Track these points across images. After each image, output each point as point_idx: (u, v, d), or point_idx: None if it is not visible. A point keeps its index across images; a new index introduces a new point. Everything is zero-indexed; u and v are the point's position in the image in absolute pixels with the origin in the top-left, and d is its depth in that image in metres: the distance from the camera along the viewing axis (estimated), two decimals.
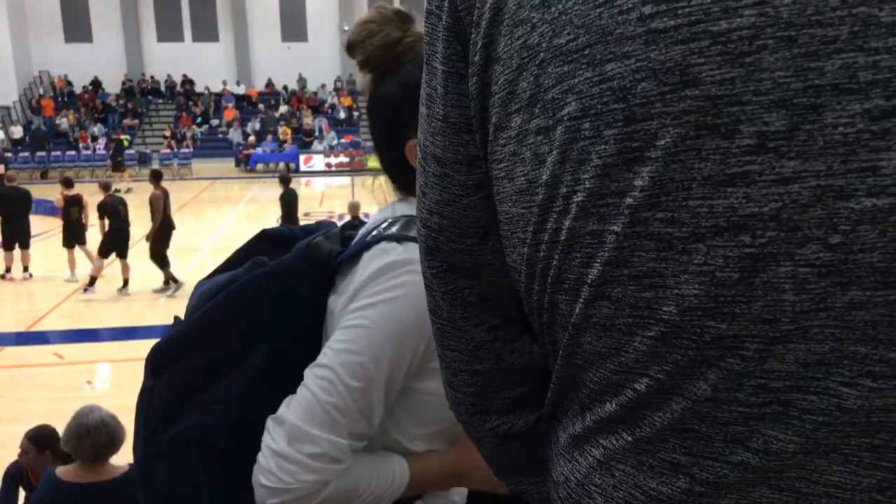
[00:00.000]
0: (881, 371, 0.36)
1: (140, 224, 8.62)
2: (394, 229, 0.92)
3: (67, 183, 8.76)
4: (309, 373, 0.86)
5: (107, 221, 8.16)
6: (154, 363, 0.97)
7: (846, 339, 0.36)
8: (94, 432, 2.43)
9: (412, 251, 0.87)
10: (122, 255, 8.23)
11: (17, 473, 3.16)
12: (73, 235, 8.53)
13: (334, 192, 15.92)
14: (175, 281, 8.15)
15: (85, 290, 8.26)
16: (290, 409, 0.85)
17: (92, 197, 8.81)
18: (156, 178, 8.58)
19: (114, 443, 2.48)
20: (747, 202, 0.36)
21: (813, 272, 0.36)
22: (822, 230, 0.35)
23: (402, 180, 0.99)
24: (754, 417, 0.39)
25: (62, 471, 2.54)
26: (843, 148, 0.34)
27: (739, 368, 0.39)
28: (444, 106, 0.51)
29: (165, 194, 8.32)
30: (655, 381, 0.42)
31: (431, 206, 0.54)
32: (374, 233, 0.94)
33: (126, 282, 8.27)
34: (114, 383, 5.78)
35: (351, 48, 0.96)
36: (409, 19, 0.95)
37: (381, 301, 0.85)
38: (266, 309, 0.93)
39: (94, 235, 8.46)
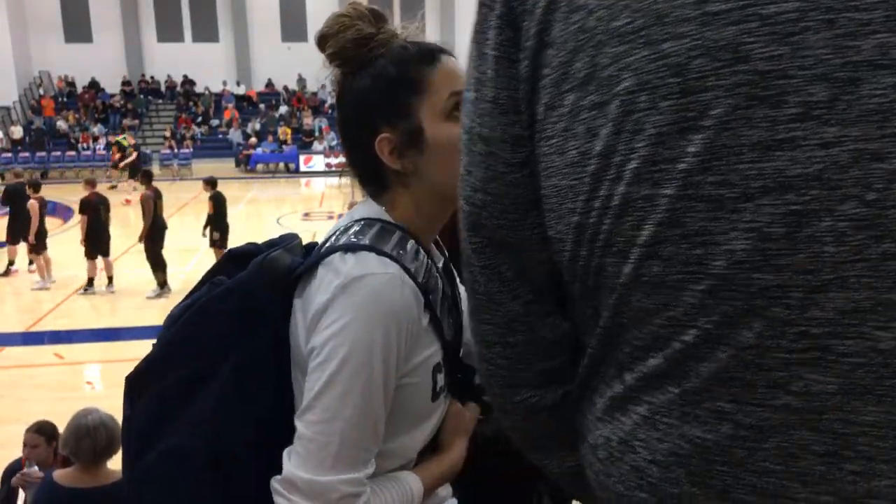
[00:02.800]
0: None
1: (136, 225, 8.61)
2: (346, 237, 0.91)
3: (36, 186, 8.75)
4: (300, 422, 0.85)
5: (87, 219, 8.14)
6: (129, 392, 0.98)
7: (880, 287, 0.41)
8: (93, 433, 2.43)
9: (364, 261, 0.86)
10: (105, 253, 8.27)
11: (17, 472, 3.15)
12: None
13: (334, 192, 15.92)
14: (164, 285, 8.16)
15: (85, 290, 8.28)
16: (296, 464, 0.84)
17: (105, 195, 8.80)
18: (147, 178, 8.58)
19: (113, 443, 2.48)
20: (793, 164, 0.42)
21: (851, 226, 0.41)
22: (859, 188, 0.40)
23: (370, 175, 0.98)
24: (795, 363, 0.44)
25: (60, 475, 2.54)
26: (878, 116, 0.40)
27: (783, 316, 0.43)
28: (495, 88, 0.56)
29: (157, 194, 8.31)
30: (703, 331, 0.46)
31: (476, 183, 0.58)
32: (328, 243, 0.93)
33: (110, 279, 8.31)
34: (114, 384, 5.75)
35: (322, 40, 0.96)
36: (382, 18, 0.96)
37: (343, 327, 0.83)
38: (226, 328, 0.92)
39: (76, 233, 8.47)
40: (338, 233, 0.94)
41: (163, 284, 8.17)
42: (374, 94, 0.94)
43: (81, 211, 8.21)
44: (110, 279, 8.34)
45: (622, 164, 0.47)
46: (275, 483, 0.85)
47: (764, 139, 0.42)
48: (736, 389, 0.46)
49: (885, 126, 0.39)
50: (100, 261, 8.30)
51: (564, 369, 0.60)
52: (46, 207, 8.42)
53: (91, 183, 8.52)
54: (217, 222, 8.44)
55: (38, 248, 8.45)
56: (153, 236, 8.18)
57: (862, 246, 0.41)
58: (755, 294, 0.43)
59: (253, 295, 0.92)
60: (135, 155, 16.31)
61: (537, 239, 0.56)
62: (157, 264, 8.18)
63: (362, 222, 0.93)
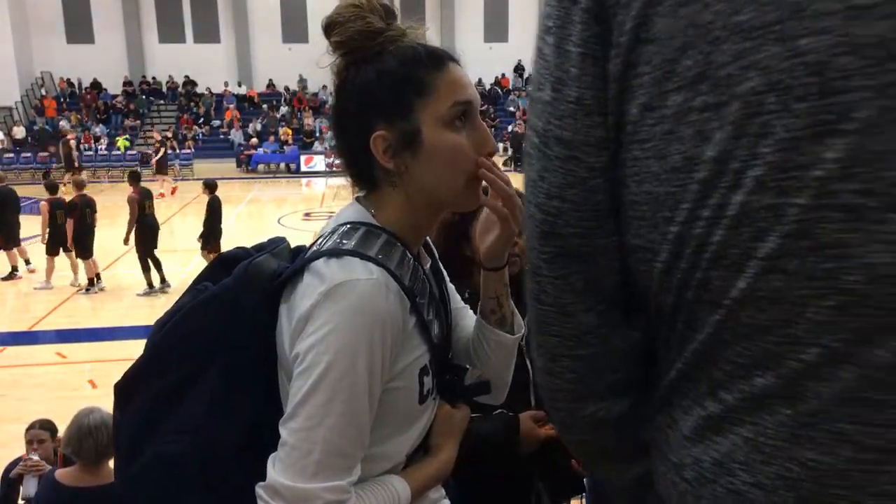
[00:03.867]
0: None
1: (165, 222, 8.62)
2: (331, 241, 0.90)
3: (52, 188, 8.73)
4: (284, 429, 0.84)
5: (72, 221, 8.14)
6: (118, 398, 0.98)
7: None
8: (95, 433, 2.44)
9: (348, 266, 0.85)
10: (88, 255, 8.24)
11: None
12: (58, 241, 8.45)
13: (335, 192, 15.93)
14: (151, 286, 8.17)
15: (87, 290, 8.29)
16: (279, 471, 0.83)
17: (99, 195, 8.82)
18: (134, 179, 8.52)
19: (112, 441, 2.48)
20: None
21: None
22: None
23: (360, 171, 0.96)
24: None
25: (62, 474, 2.54)
26: None
27: None
28: (579, 88, 0.52)
29: (143, 195, 8.24)
30: (828, 349, 0.43)
31: (551, 190, 0.54)
32: (313, 248, 0.93)
33: (91, 281, 8.30)
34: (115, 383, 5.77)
35: (330, 27, 0.94)
36: (392, 14, 0.95)
37: (326, 334, 0.83)
38: (210, 333, 0.92)
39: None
40: (323, 237, 0.93)
41: (152, 284, 8.18)
42: (377, 89, 0.92)
43: (69, 214, 8.18)
44: (90, 280, 8.31)
45: (741, 171, 0.43)
46: (259, 489, 0.84)
47: None
48: (860, 410, 0.42)
49: None
50: (63, 259, 8.28)
51: (633, 381, 0.58)
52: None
53: (78, 185, 8.50)
54: (211, 227, 8.43)
55: (50, 249, 8.42)
56: (143, 237, 8.15)
57: None
58: (894, 311, 0.40)
59: (237, 300, 0.92)
60: (162, 151, 16.46)
61: (612, 248, 0.54)
62: (146, 265, 8.17)
63: (347, 226, 0.93)
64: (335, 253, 0.87)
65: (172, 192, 15.74)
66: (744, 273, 0.45)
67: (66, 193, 9.04)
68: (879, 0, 0.39)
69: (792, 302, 0.43)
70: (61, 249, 8.41)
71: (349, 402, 0.83)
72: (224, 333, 0.91)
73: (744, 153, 0.43)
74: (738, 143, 0.43)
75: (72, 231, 8.13)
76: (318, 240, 0.95)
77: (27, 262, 8.87)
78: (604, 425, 0.59)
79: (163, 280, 8.29)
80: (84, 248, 8.21)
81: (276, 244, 1.04)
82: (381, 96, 0.92)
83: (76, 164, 17.24)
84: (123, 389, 0.98)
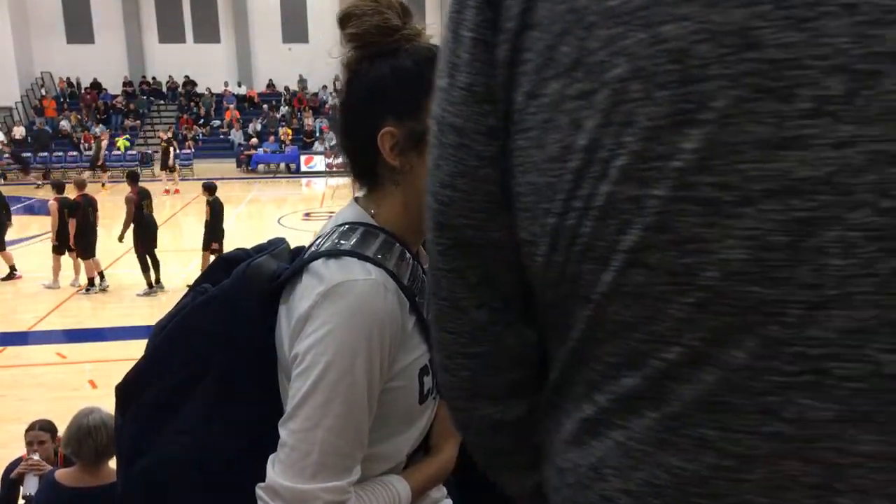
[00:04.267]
0: None
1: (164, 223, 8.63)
2: (330, 242, 0.90)
3: (81, 185, 8.76)
4: (283, 429, 0.84)
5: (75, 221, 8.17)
6: (119, 401, 0.98)
7: (889, 305, 0.37)
8: (94, 433, 2.44)
9: (346, 267, 0.85)
10: (91, 254, 8.26)
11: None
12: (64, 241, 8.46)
13: (335, 192, 15.92)
14: (151, 286, 8.19)
15: (87, 290, 8.29)
16: (278, 471, 0.83)
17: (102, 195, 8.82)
18: (132, 179, 8.54)
19: (114, 443, 2.48)
20: (801, 165, 0.37)
21: (862, 237, 0.36)
22: (874, 195, 0.36)
23: (363, 167, 0.96)
24: (790, 386, 0.39)
25: (62, 474, 2.54)
26: None
27: (779, 335, 0.39)
28: (469, 74, 0.50)
29: (141, 196, 8.25)
30: (688, 348, 0.41)
31: (444, 178, 0.53)
32: (312, 248, 0.92)
33: (91, 281, 8.31)
34: (115, 383, 5.77)
35: (346, 19, 0.93)
36: (409, 14, 0.94)
37: (325, 335, 0.83)
38: (210, 336, 0.92)
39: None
40: (322, 238, 0.93)
41: (151, 284, 8.19)
42: (390, 86, 0.91)
43: (70, 214, 8.20)
44: (90, 280, 8.33)
45: (608, 161, 0.42)
46: (258, 490, 0.85)
47: (770, 136, 0.37)
48: (721, 415, 0.41)
49: None
50: (67, 259, 8.30)
51: (530, 382, 0.56)
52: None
53: (80, 185, 8.51)
54: (213, 229, 8.44)
55: (57, 248, 8.43)
56: (141, 237, 8.17)
57: (872, 259, 0.36)
58: (750, 309, 0.39)
59: (236, 302, 0.92)
60: (171, 151, 16.79)
61: (506, 241, 0.52)
62: (145, 265, 8.18)
63: (346, 226, 0.92)
64: (333, 253, 0.87)
65: (176, 192, 15.88)
66: (609, 266, 0.43)
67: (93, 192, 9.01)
68: None
69: (654, 297, 0.42)
70: (66, 250, 8.42)
71: (348, 402, 0.83)
72: (223, 335, 0.91)
73: (610, 142, 0.42)
74: (605, 132, 0.42)
75: (73, 231, 8.14)
76: (316, 240, 0.95)
77: (12, 269, 8.87)
78: (500, 428, 0.58)
79: (157, 281, 8.30)
80: (85, 247, 8.22)
81: (276, 245, 1.04)
82: (393, 93, 0.91)
83: (100, 163, 17.49)
84: (124, 392, 0.98)
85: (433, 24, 0.97)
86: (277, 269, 0.95)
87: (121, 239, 8.26)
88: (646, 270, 0.42)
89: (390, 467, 0.95)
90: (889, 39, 0.35)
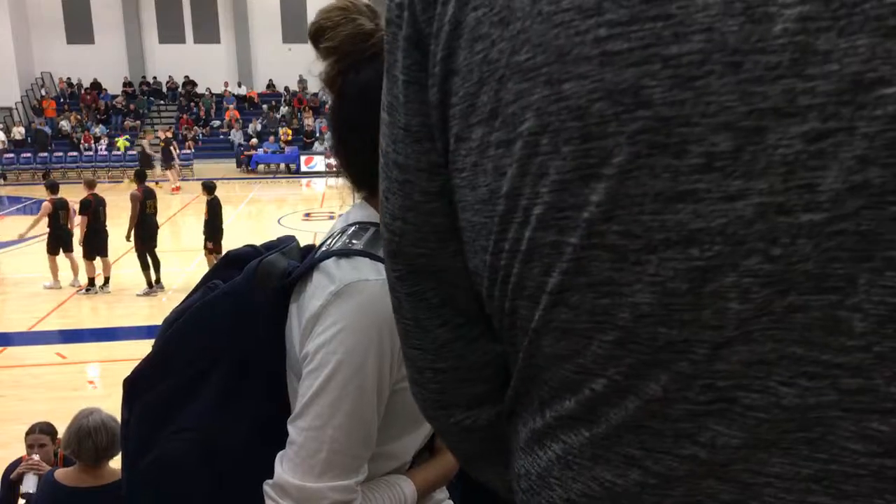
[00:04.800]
0: (815, 371, 0.38)
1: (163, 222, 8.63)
2: (341, 241, 0.90)
3: (53, 188, 8.73)
4: (292, 428, 0.85)
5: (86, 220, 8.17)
6: (126, 396, 0.98)
7: (784, 340, 0.38)
8: (94, 434, 2.44)
9: (358, 266, 0.86)
10: (103, 254, 8.30)
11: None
12: (59, 241, 8.46)
13: (335, 192, 15.88)
14: (151, 286, 8.22)
15: (87, 290, 8.30)
16: (287, 469, 0.83)
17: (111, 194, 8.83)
18: (139, 177, 8.61)
19: (114, 444, 2.48)
20: (696, 217, 0.38)
21: (756, 282, 0.38)
22: (765, 243, 0.37)
23: (366, 176, 0.95)
24: (702, 414, 0.41)
25: (61, 474, 2.55)
26: (784, 167, 0.36)
27: (688, 370, 0.41)
28: (406, 115, 0.52)
29: (146, 194, 8.30)
30: (612, 381, 0.44)
31: (394, 210, 0.55)
32: (323, 247, 0.93)
33: (92, 280, 8.33)
34: (116, 383, 5.77)
35: (319, 33, 0.91)
36: (377, 14, 0.93)
37: (336, 334, 0.83)
38: (220, 332, 0.92)
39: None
40: (333, 237, 0.93)
41: (151, 284, 8.22)
42: (380, 94, 0.91)
43: (81, 212, 8.23)
44: (107, 280, 8.37)
45: (528, 208, 0.44)
46: (266, 487, 0.85)
47: (666, 190, 0.39)
48: (644, 437, 0.44)
49: (791, 178, 0.36)
50: (98, 261, 8.32)
51: (498, 390, 0.57)
52: (66, 209, 8.39)
53: (90, 184, 8.54)
54: (211, 228, 8.45)
55: (51, 249, 8.44)
56: (142, 236, 8.19)
57: (767, 301, 0.38)
58: (661, 348, 0.41)
59: (247, 299, 0.92)
60: (171, 149, 17.08)
61: (459, 268, 0.53)
62: (145, 263, 8.21)
63: (356, 226, 0.93)
64: (345, 253, 0.88)
65: (177, 190, 15.94)
66: (539, 305, 0.46)
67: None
68: (629, 45, 0.38)
69: (579, 334, 0.44)
70: (61, 249, 8.42)
71: (357, 401, 0.83)
72: (234, 331, 0.92)
73: (528, 191, 0.44)
74: (523, 181, 0.44)
75: (83, 230, 8.16)
76: (327, 239, 0.95)
77: None
78: (472, 433, 0.60)
79: (157, 281, 8.31)
80: (93, 247, 8.23)
81: (286, 243, 1.04)
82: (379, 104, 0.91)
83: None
84: (132, 387, 0.98)
85: None
86: (288, 266, 0.95)
87: (128, 237, 8.29)
88: (568, 310, 0.44)
89: (396, 467, 0.95)
90: (771, 96, 0.36)
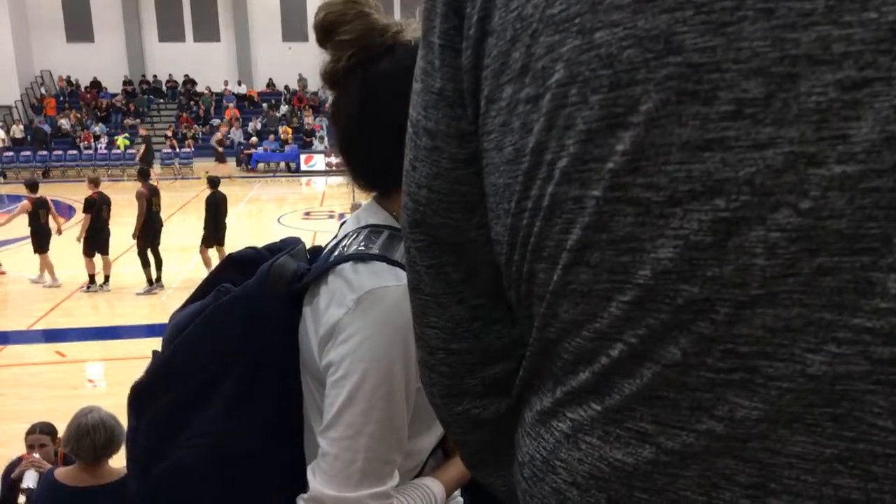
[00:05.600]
0: (845, 337, 0.37)
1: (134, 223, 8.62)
2: (356, 245, 0.89)
3: (33, 186, 8.68)
4: (324, 439, 0.84)
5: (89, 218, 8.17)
6: (134, 403, 0.97)
7: (813, 304, 0.37)
8: (93, 432, 2.44)
9: (377, 272, 0.85)
10: (104, 251, 8.29)
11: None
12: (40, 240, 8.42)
13: (334, 191, 15.93)
14: (151, 283, 8.22)
15: (87, 288, 8.30)
16: (322, 481, 0.83)
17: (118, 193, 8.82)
18: (143, 176, 8.62)
19: (113, 442, 2.48)
20: (723, 166, 0.38)
21: (783, 237, 0.37)
22: (794, 195, 0.36)
23: (376, 174, 0.93)
24: (721, 384, 0.40)
25: (61, 473, 2.55)
26: (816, 116, 0.35)
27: (709, 332, 0.40)
28: (441, 79, 0.52)
29: (152, 192, 8.32)
30: (628, 345, 0.43)
31: (420, 179, 0.54)
32: (336, 252, 0.91)
33: (107, 278, 8.33)
34: (115, 381, 5.78)
35: (332, 27, 0.88)
36: (380, 7, 0.92)
37: (360, 343, 0.83)
38: (234, 336, 0.91)
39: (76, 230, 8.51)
40: (347, 239, 0.92)
41: (151, 282, 8.22)
42: (407, 86, 0.88)
43: (85, 210, 8.24)
44: (107, 278, 8.36)
45: (553, 163, 0.43)
46: (301, 502, 0.84)
47: (693, 138, 0.38)
48: (658, 410, 0.42)
49: (824, 127, 0.35)
50: (98, 259, 8.32)
51: (509, 379, 0.56)
52: (46, 208, 8.38)
53: (95, 182, 8.55)
54: (214, 224, 8.46)
55: (37, 248, 8.43)
56: (145, 234, 8.20)
57: (795, 259, 0.37)
58: (681, 307, 0.40)
59: (261, 302, 0.91)
60: (143, 147, 17.21)
61: (483, 241, 0.53)
62: (146, 261, 8.21)
63: (368, 229, 0.92)
64: (362, 257, 0.87)
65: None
66: (558, 265, 0.45)
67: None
68: None
69: (597, 295, 0.43)
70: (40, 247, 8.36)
71: (388, 408, 0.83)
72: (247, 335, 0.91)
73: (554, 144, 0.43)
74: (549, 135, 0.44)
75: (86, 228, 8.17)
76: (341, 241, 0.93)
77: None
78: (480, 424, 0.59)
79: (158, 279, 8.32)
80: (94, 244, 8.22)
81: (293, 245, 1.02)
82: (398, 99, 0.88)
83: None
84: (141, 393, 0.97)
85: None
86: (298, 269, 0.95)
87: (135, 234, 8.29)
88: (588, 269, 0.43)
89: (413, 465, 0.96)
90: (805, 42, 0.35)
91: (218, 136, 19.42)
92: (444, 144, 0.52)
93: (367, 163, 0.94)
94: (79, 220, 8.41)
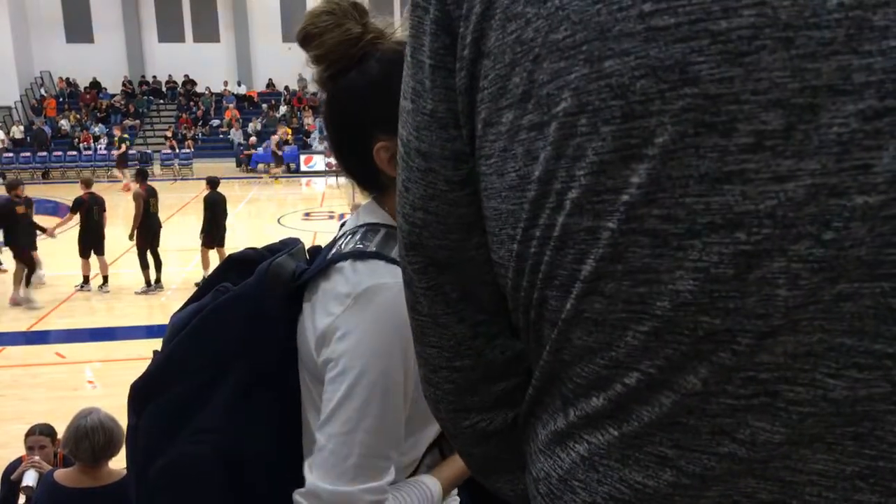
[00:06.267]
0: (866, 362, 0.37)
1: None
2: (353, 243, 0.90)
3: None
4: (321, 434, 0.85)
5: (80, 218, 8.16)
6: (134, 401, 0.97)
7: (833, 330, 0.37)
8: (91, 434, 2.44)
9: (374, 270, 0.86)
10: (99, 252, 8.29)
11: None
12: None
13: (334, 191, 15.92)
14: (149, 284, 8.23)
15: (81, 287, 8.30)
16: (318, 476, 0.84)
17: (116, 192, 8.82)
18: (141, 176, 8.63)
19: (112, 444, 2.48)
20: (743, 199, 0.37)
21: (806, 268, 0.37)
22: (816, 227, 0.36)
23: (367, 180, 0.95)
24: (742, 409, 0.40)
25: (60, 475, 2.54)
26: (838, 147, 0.35)
27: (731, 362, 0.39)
28: (432, 100, 0.50)
29: (149, 193, 8.31)
30: (646, 375, 0.42)
31: (415, 201, 0.53)
32: (334, 250, 0.92)
33: (105, 279, 8.32)
34: (115, 383, 5.78)
35: (306, 40, 0.90)
36: (365, 12, 0.92)
37: (358, 340, 0.84)
38: (234, 336, 0.92)
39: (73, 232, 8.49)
40: (345, 237, 0.93)
41: (150, 282, 8.22)
42: (370, 100, 0.89)
43: (73, 210, 8.24)
44: (105, 279, 8.34)
45: (562, 193, 0.42)
46: (297, 497, 0.85)
47: (712, 171, 0.37)
48: (679, 435, 0.42)
49: (845, 159, 0.35)
50: (96, 260, 8.30)
51: (515, 391, 0.56)
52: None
53: (87, 183, 8.53)
54: (214, 224, 8.45)
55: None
56: (144, 235, 8.20)
57: (816, 288, 0.37)
58: (701, 338, 0.39)
59: (260, 301, 0.92)
60: (123, 147, 17.69)
61: (482, 260, 0.52)
62: (145, 262, 8.22)
63: (366, 227, 0.92)
64: (359, 255, 0.88)
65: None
66: (571, 294, 0.44)
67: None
68: (677, 20, 0.37)
69: (612, 325, 0.43)
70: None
71: (384, 404, 0.84)
72: (247, 334, 0.92)
73: (563, 174, 0.42)
74: (558, 164, 0.42)
75: (79, 229, 8.16)
76: (339, 240, 0.94)
77: None
78: (488, 437, 0.58)
79: (157, 280, 8.32)
80: (86, 245, 8.21)
81: (292, 245, 1.04)
82: (376, 108, 0.89)
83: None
84: (141, 391, 0.97)
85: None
86: (297, 268, 0.95)
87: (131, 236, 8.30)
88: (603, 299, 0.43)
89: (409, 461, 0.96)
90: (825, 73, 0.35)
91: (275, 138, 19.73)
92: (439, 167, 0.51)
93: (351, 169, 0.96)
94: (77, 221, 8.36)
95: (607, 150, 0.40)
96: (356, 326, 0.84)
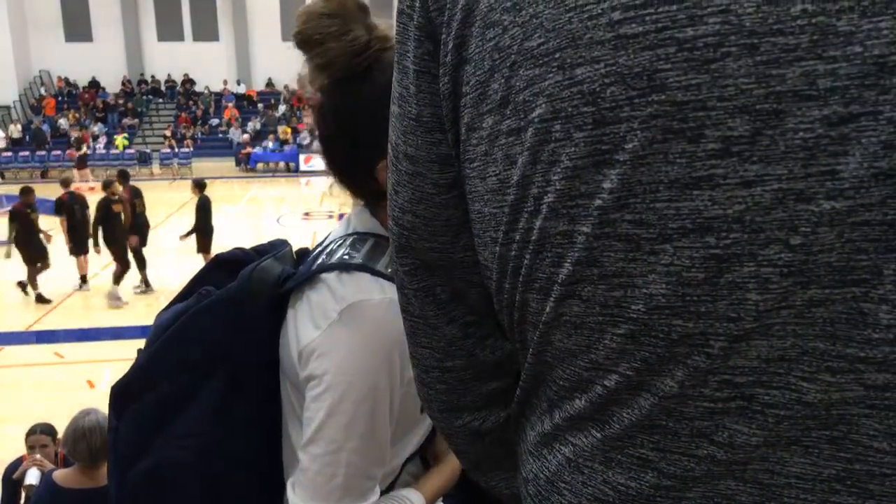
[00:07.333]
0: (839, 366, 0.37)
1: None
2: (340, 253, 0.88)
3: None
4: (305, 454, 0.83)
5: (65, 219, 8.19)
6: (115, 403, 0.96)
7: (806, 335, 0.38)
8: (89, 434, 2.44)
9: (359, 284, 0.84)
10: (84, 250, 8.30)
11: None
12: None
13: (334, 191, 15.91)
14: (147, 284, 8.27)
15: (80, 287, 8.30)
16: (302, 497, 0.82)
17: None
18: (123, 177, 8.64)
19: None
20: (712, 204, 0.38)
21: (775, 272, 0.37)
22: (784, 232, 0.37)
23: (362, 192, 0.93)
24: (719, 412, 0.41)
25: (60, 475, 2.55)
26: (804, 152, 0.35)
27: (705, 365, 0.40)
28: (417, 105, 0.51)
29: (133, 194, 8.33)
30: (624, 377, 0.43)
31: (404, 204, 0.54)
32: (321, 258, 0.90)
33: (84, 278, 8.35)
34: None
35: (307, 46, 0.84)
36: (367, 11, 0.87)
37: (343, 358, 0.81)
38: (215, 339, 0.90)
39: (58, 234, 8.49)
40: (333, 243, 0.91)
41: (147, 282, 8.27)
42: (372, 119, 0.82)
43: (56, 213, 8.27)
44: (83, 278, 8.37)
45: (539, 197, 0.43)
46: None
47: (681, 176, 0.38)
48: (658, 437, 0.43)
49: (811, 164, 0.35)
50: (98, 259, 8.33)
51: (507, 390, 0.57)
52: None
53: (65, 182, 8.58)
54: (204, 226, 8.45)
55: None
56: (132, 235, 8.21)
57: (787, 293, 0.37)
58: (676, 341, 0.40)
59: (242, 306, 0.90)
60: (84, 149, 17.83)
61: (471, 262, 0.53)
62: (142, 262, 8.25)
63: (354, 236, 0.91)
64: (345, 267, 0.86)
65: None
66: (550, 297, 0.45)
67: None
68: (644, 29, 0.37)
69: (591, 328, 0.43)
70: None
71: (370, 423, 0.82)
72: (229, 338, 0.90)
73: (539, 179, 0.43)
74: (534, 169, 0.43)
75: (64, 227, 8.19)
76: (327, 246, 0.92)
77: None
78: (481, 435, 0.59)
79: (144, 280, 8.34)
80: (76, 244, 8.23)
81: (279, 248, 1.01)
82: (380, 125, 0.85)
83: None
84: (121, 393, 0.96)
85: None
86: (283, 272, 0.93)
87: (125, 240, 8.29)
88: (580, 302, 0.43)
89: (388, 472, 0.94)
90: (790, 79, 0.35)
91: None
92: (426, 170, 0.52)
93: (345, 180, 0.94)
94: (61, 225, 8.36)
95: (580, 156, 0.41)
96: (340, 343, 0.82)
